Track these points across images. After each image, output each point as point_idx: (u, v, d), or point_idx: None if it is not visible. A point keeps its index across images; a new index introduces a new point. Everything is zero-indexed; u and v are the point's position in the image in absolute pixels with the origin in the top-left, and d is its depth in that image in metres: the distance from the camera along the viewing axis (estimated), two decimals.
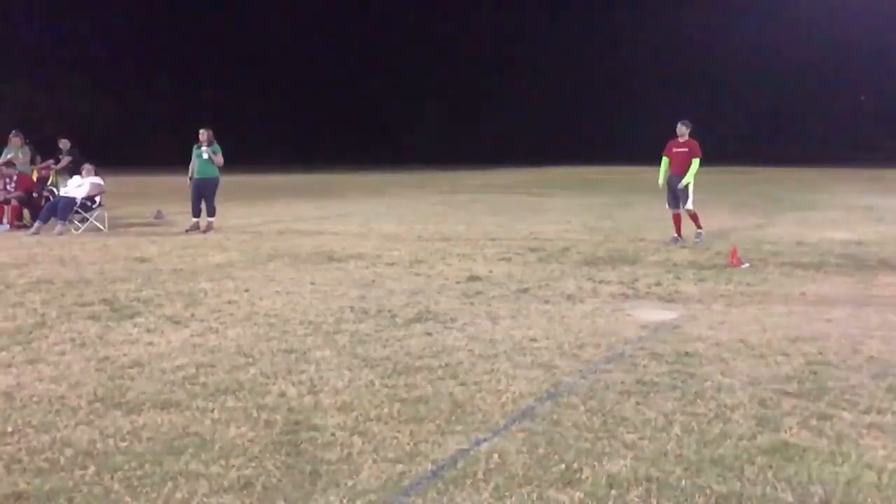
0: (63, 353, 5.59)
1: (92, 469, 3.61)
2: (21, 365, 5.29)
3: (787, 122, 70.14)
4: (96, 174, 14.65)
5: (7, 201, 14.76)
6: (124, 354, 5.57)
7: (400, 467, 3.64)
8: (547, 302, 7.55)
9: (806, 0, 63.05)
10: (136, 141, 60.44)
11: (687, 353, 5.58)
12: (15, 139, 15.57)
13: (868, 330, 6.34)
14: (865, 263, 10.07)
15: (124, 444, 3.92)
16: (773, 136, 69.09)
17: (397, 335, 6.16)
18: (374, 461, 3.71)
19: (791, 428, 4.14)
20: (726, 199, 22.43)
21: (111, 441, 3.95)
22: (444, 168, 50.55)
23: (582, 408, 4.44)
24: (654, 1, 70.30)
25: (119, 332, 6.28)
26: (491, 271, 9.41)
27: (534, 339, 6.02)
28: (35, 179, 15.36)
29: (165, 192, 24.55)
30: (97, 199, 14.47)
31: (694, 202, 12.27)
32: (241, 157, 28.88)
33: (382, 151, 67.48)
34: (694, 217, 12.28)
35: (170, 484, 3.46)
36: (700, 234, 12.24)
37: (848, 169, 46.42)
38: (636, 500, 3.32)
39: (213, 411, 4.38)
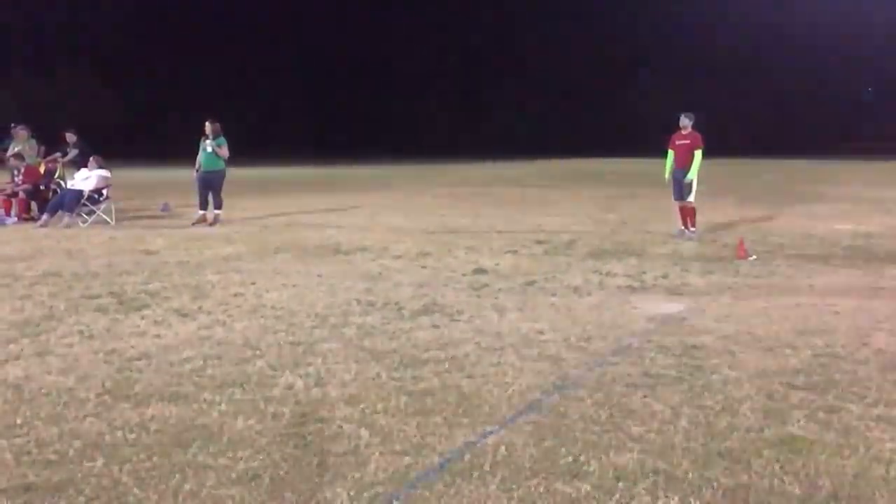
0: (71, 346, 5.62)
1: (100, 461, 3.63)
2: (29, 357, 5.32)
3: (794, 113, 69.84)
4: (103, 167, 14.67)
5: (14, 194, 14.81)
6: (132, 347, 5.59)
7: (407, 459, 3.65)
8: (553, 294, 7.54)
9: None
10: (142, 134, 60.53)
11: (694, 346, 5.57)
12: (21, 132, 15.61)
13: (876, 322, 6.32)
14: (873, 255, 10.04)
15: (132, 436, 3.94)
16: (779, 128, 68.81)
17: (404, 328, 6.17)
18: (382, 453, 3.71)
19: (798, 421, 4.13)
20: (733, 191, 22.37)
21: (119, 433, 3.97)
22: (449, 161, 50.50)
23: (589, 400, 4.44)
24: None
25: (127, 324, 6.30)
26: (497, 264, 9.41)
27: (540, 332, 6.02)
28: (42, 172, 15.39)
29: (172, 185, 24.59)
30: (104, 191, 14.50)
31: (698, 195, 12.23)
32: (247, 150, 28.89)
33: (388, 144, 67.44)
34: (691, 213, 12.19)
35: (178, 476, 3.47)
36: (693, 231, 12.13)
37: (856, 161, 46.22)
38: (643, 492, 3.32)
39: (220, 404, 4.40)
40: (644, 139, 37.49)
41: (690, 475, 3.47)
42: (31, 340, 5.76)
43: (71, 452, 3.73)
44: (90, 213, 14.12)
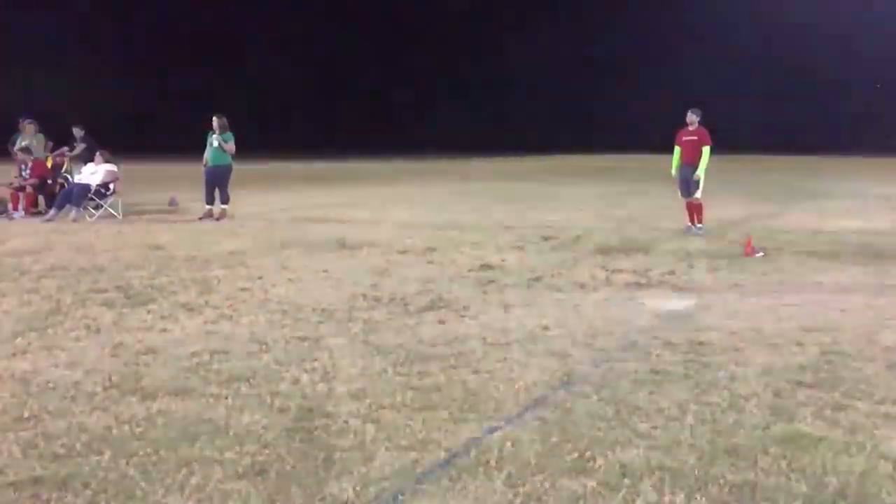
0: (78, 340, 5.63)
1: (107, 455, 3.64)
2: (37, 351, 5.34)
3: (802, 109, 69.50)
4: (110, 161, 14.71)
5: (22, 188, 14.87)
6: (139, 341, 5.60)
7: (413, 455, 3.65)
8: (560, 290, 7.53)
9: None
10: (149, 128, 60.62)
11: (700, 343, 5.56)
12: (29, 126, 15.65)
13: (883, 320, 6.30)
14: (881, 253, 9.99)
15: (139, 429, 3.95)
16: (787, 125, 68.50)
17: (410, 323, 6.17)
18: (387, 449, 3.72)
19: (805, 418, 4.12)
20: (741, 187, 22.29)
21: (126, 427, 3.98)
22: (456, 156, 50.47)
23: (595, 396, 4.43)
24: None
25: (133, 318, 6.31)
26: (504, 260, 9.40)
27: (546, 328, 6.01)
28: (49, 166, 15.44)
29: (179, 180, 24.62)
30: (111, 186, 14.54)
31: (705, 192, 12.21)
32: (254, 144, 28.89)
33: (394, 139, 67.39)
34: (699, 209, 12.17)
35: (185, 470, 3.48)
36: (700, 227, 12.10)
37: (864, 157, 46.03)
38: (649, 488, 3.31)
39: (227, 398, 4.40)
40: (652, 135, 37.36)
41: (696, 472, 3.46)
42: (38, 334, 5.78)
43: (78, 446, 3.74)
44: (97, 207, 14.16)
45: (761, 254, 9.70)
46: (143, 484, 3.35)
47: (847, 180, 26.57)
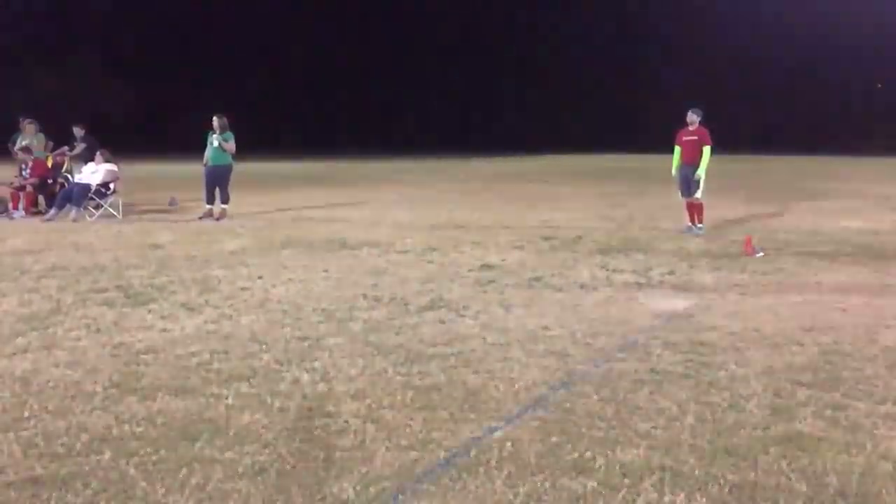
0: (78, 339, 5.63)
1: (108, 454, 3.64)
2: (37, 350, 5.34)
3: (802, 110, 69.54)
4: (110, 161, 14.71)
5: (22, 188, 14.86)
6: (139, 340, 5.61)
7: (413, 455, 3.65)
8: (560, 290, 7.53)
9: None
10: (150, 128, 60.65)
11: (701, 343, 5.56)
12: (29, 126, 15.66)
13: (883, 320, 6.30)
14: (881, 253, 9.99)
15: (139, 429, 3.95)
16: (787, 125, 68.54)
17: (410, 323, 6.17)
18: (388, 448, 3.72)
19: (805, 418, 4.12)
20: (741, 187, 22.31)
21: (126, 426, 3.98)
22: (456, 156, 50.47)
23: (595, 396, 4.43)
24: None
25: (134, 318, 6.31)
26: (504, 259, 9.40)
27: (547, 328, 6.01)
28: (50, 166, 15.44)
29: (180, 179, 24.62)
30: (111, 185, 14.54)
31: (705, 192, 12.20)
32: (254, 144, 28.93)
33: (395, 139, 67.44)
34: (699, 209, 12.16)
35: (185, 469, 3.48)
36: (701, 227, 12.09)
37: (864, 157, 46.04)
38: (649, 488, 3.31)
39: (227, 398, 4.40)
40: (652, 135, 37.41)
41: (697, 472, 3.46)
42: (38, 334, 5.78)
43: (78, 445, 3.74)
44: (97, 206, 14.16)
45: (761, 254, 9.70)
46: (143, 483, 3.35)
47: (847, 180, 26.57)
